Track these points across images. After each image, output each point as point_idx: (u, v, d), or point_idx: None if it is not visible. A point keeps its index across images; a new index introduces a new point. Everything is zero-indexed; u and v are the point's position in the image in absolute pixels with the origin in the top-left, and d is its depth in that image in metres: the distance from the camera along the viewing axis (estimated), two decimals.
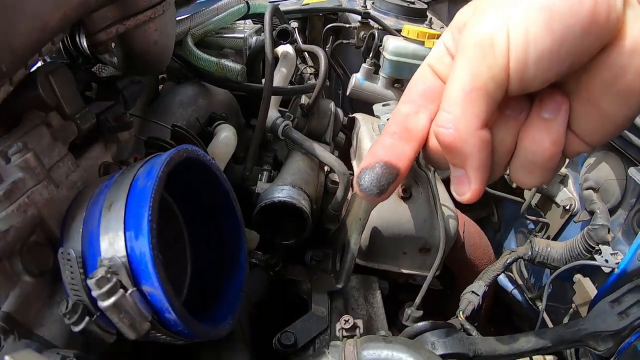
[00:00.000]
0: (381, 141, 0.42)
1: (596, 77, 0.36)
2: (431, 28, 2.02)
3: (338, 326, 0.89)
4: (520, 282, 1.68)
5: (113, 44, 0.95)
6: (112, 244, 0.57)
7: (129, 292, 0.54)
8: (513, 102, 0.40)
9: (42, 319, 0.66)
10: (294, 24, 1.92)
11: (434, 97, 0.42)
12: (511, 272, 1.73)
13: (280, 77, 1.48)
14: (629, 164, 1.32)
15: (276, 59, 1.59)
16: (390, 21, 1.98)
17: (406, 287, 1.48)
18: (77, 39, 1.11)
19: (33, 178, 0.65)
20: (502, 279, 1.73)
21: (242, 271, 0.79)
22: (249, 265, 0.81)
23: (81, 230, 0.63)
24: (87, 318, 0.58)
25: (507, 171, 1.01)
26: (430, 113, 0.42)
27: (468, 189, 0.41)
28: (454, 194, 0.43)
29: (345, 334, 0.88)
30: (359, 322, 0.89)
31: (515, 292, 1.70)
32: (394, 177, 0.40)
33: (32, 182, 0.65)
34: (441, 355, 0.97)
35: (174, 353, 0.90)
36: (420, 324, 1.01)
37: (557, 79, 0.36)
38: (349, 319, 0.88)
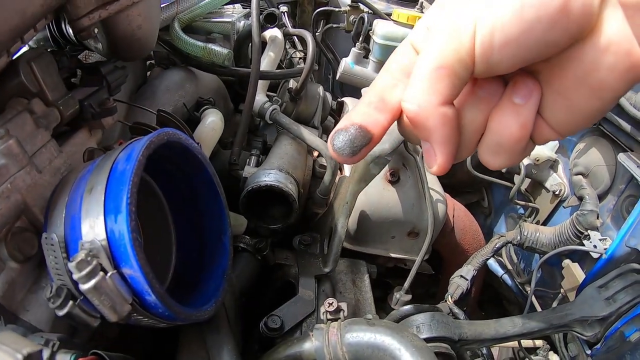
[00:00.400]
0: (357, 109, 0.43)
1: (569, 70, 0.37)
2: (422, 12, 2.03)
3: (322, 309, 0.90)
4: (510, 267, 1.70)
5: (96, 30, 0.95)
6: (93, 228, 0.58)
7: (109, 274, 0.55)
8: (486, 84, 0.41)
9: (27, 304, 0.68)
10: (284, 8, 1.92)
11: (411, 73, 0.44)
12: (501, 257, 1.75)
13: (268, 61, 1.49)
14: (618, 149, 1.33)
15: (264, 43, 1.59)
16: (381, 5, 1.99)
17: (397, 272, 1.50)
18: (63, 25, 1.12)
19: (16, 164, 0.66)
20: (493, 264, 1.75)
21: (226, 254, 0.80)
22: (233, 248, 0.82)
23: (64, 215, 0.64)
24: (70, 302, 0.59)
25: None
26: (406, 87, 0.44)
27: (435, 162, 0.42)
28: (425, 166, 0.45)
29: (329, 317, 0.89)
30: (343, 305, 0.90)
31: (506, 277, 1.72)
32: (367, 140, 0.41)
33: (15, 168, 0.66)
34: (426, 339, 0.98)
35: (161, 337, 0.93)
36: (406, 307, 1.03)
37: (524, 65, 0.38)
38: (332, 302, 0.89)
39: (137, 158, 0.59)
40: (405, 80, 0.43)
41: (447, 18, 0.38)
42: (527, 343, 1.73)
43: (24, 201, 0.67)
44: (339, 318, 0.89)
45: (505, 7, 0.35)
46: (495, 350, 1.80)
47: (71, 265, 0.54)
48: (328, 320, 0.89)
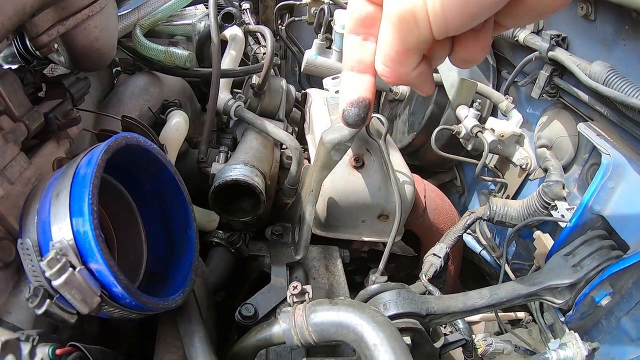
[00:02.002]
0: (346, 80, 0.52)
1: (518, 6, 0.44)
2: None
3: (288, 293, 0.98)
4: (484, 242, 1.78)
5: (56, 45, 1.03)
6: (61, 229, 0.66)
7: (77, 269, 0.64)
8: None
9: (9, 307, 0.76)
10: (246, 5, 2.00)
11: (373, 22, 0.50)
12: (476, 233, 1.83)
13: (229, 59, 1.57)
14: (579, 120, 1.40)
15: (225, 42, 1.67)
16: None
17: (379, 256, 1.58)
18: (28, 42, 1.19)
19: None
20: (470, 241, 1.83)
21: (192, 247, 0.89)
22: (199, 241, 0.91)
23: (36, 220, 0.72)
24: (47, 300, 0.68)
25: (462, 134, 1.14)
26: (375, 37, 0.50)
27: (423, 92, 0.52)
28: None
29: (295, 299, 0.97)
30: (308, 288, 0.98)
31: (484, 253, 1.80)
32: (368, 107, 0.51)
33: None
34: (393, 315, 1.05)
35: (146, 337, 1.01)
36: (373, 286, 1.11)
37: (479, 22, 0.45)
38: (297, 285, 0.97)
39: (96, 162, 0.67)
40: (371, 31, 0.50)
41: (399, 10, 0.44)
42: (509, 316, 1.82)
43: None
44: (304, 300, 0.97)
45: None
46: (481, 325, 1.89)
47: (43, 264, 0.63)
48: (294, 302, 0.97)
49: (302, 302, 0.96)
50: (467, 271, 2.01)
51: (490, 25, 0.46)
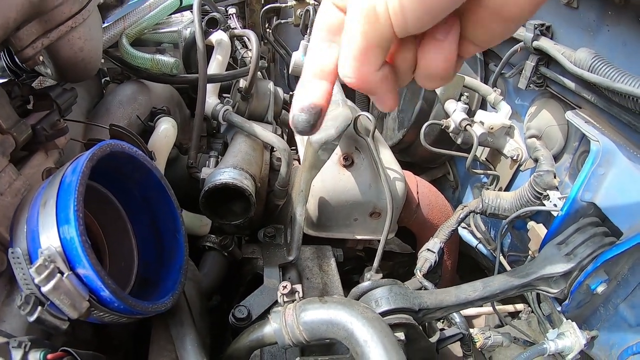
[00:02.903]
0: (302, 85, 0.53)
1: (482, 9, 0.44)
2: None
3: (278, 293, 1.00)
4: (479, 235, 1.79)
5: (41, 57, 1.05)
6: (49, 237, 0.68)
7: (65, 275, 0.66)
8: None
9: (3, 316, 0.79)
10: (232, 10, 2.02)
11: (339, 29, 0.51)
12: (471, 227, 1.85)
13: (216, 64, 1.59)
14: (568, 108, 1.40)
15: (211, 47, 1.70)
16: None
17: (373, 254, 1.60)
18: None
19: None
20: (466, 235, 1.85)
21: (181, 250, 0.91)
22: (188, 245, 0.93)
23: (25, 229, 0.75)
24: (39, 307, 0.70)
25: (451, 128, 1.15)
26: (338, 45, 0.52)
27: (384, 106, 0.52)
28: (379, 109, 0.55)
29: (285, 299, 1.00)
30: (297, 287, 1.00)
31: (480, 247, 1.82)
32: (318, 114, 0.51)
33: None
34: (386, 311, 1.07)
35: (141, 343, 1.03)
36: (364, 283, 1.13)
37: (440, 19, 0.45)
38: (286, 285, 1.00)
39: (81, 170, 0.69)
40: (336, 39, 0.52)
41: (361, 6, 0.45)
42: (508, 308, 1.84)
43: None
44: (295, 299, 0.99)
45: None
46: (482, 318, 1.91)
47: (32, 271, 0.65)
48: (285, 302, 0.99)
49: (292, 301, 0.98)
50: (465, 265, 2.02)
51: (454, 35, 0.47)
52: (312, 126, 0.51)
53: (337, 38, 0.51)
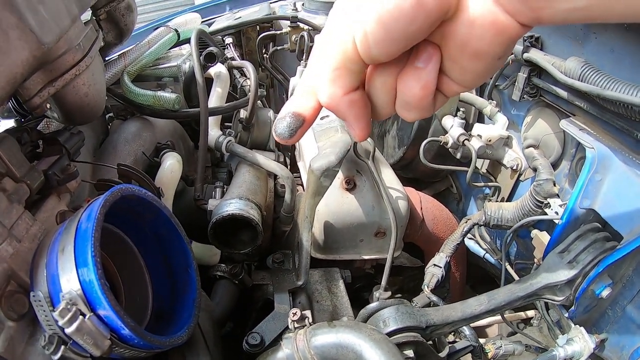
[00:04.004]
0: (293, 97, 0.57)
1: (450, 41, 0.47)
2: None
3: (289, 320, 1.05)
4: (485, 246, 1.83)
5: (48, 105, 1.11)
6: (69, 281, 0.74)
7: (87, 317, 0.71)
8: None
9: (27, 356, 0.84)
10: (229, 40, 2.09)
11: None
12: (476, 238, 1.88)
13: (216, 97, 1.65)
14: (562, 116, 1.44)
15: (211, 79, 1.76)
16: (321, 19, 2.14)
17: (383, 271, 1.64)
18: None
19: None
20: (473, 246, 1.88)
21: (194, 284, 0.96)
22: (199, 278, 0.98)
23: (45, 274, 0.80)
24: (62, 347, 0.75)
25: (449, 144, 1.18)
26: None
27: (354, 134, 0.56)
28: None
29: (296, 325, 1.04)
30: (307, 313, 1.05)
31: (488, 257, 1.85)
32: (300, 123, 0.55)
33: None
34: (394, 330, 1.11)
35: None
36: (371, 305, 1.17)
37: (404, 50, 0.48)
38: (296, 312, 1.04)
39: (95, 217, 0.75)
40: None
41: (335, 30, 0.50)
42: (519, 316, 1.86)
43: (10, 268, 0.82)
44: (305, 325, 1.04)
45: (369, 14, 0.44)
46: (495, 327, 1.94)
47: (55, 314, 0.70)
48: (296, 328, 1.04)
49: (303, 326, 1.03)
50: (475, 275, 2.05)
51: (434, 64, 0.49)
52: (292, 132, 0.55)
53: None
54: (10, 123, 1.30)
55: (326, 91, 0.52)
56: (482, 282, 2.14)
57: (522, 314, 1.86)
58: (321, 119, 1.41)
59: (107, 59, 1.69)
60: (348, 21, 0.48)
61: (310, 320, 1.05)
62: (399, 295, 1.90)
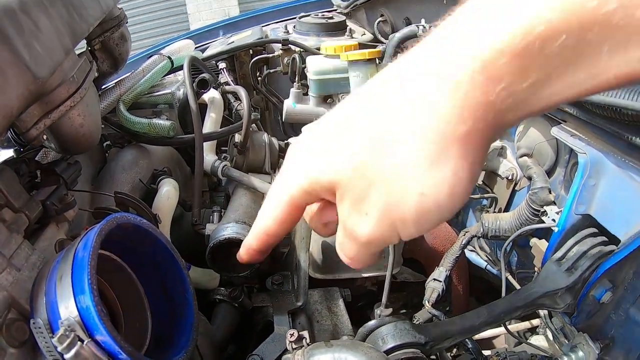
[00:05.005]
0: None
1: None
2: (352, 37, 2.24)
3: (287, 341, 1.07)
4: (485, 258, 1.84)
5: (45, 136, 1.15)
6: (67, 308, 0.76)
7: (85, 342, 0.74)
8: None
9: None
10: (222, 65, 2.13)
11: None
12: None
13: (210, 122, 1.69)
14: (554, 123, 1.44)
15: (205, 105, 1.80)
16: (312, 41, 2.19)
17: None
18: None
19: None
20: (474, 258, 1.89)
21: (191, 309, 0.98)
22: (197, 302, 1.00)
23: (44, 301, 0.83)
24: None
25: None
26: None
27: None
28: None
29: (294, 346, 1.06)
30: (305, 334, 1.07)
31: (490, 268, 1.85)
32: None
33: None
34: (393, 347, 1.12)
35: None
36: (370, 322, 1.18)
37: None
38: (293, 333, 1.06)
39: (91, 245, 0.78)
40: None
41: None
42: (525, 325, 1.87)
43: (11, 296, 0.85)
44: (303, 346, 1.05)
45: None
46: (502, 338, 1.94)
47: (54, 341, 0.73)
48: (294, 349, 1.06)
49: (301, 347, 1.05)
50: (479, 287, 2.06)
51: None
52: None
53: None
54: (9, 153, 1.32)
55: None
56: (488, 293, 2.14)
57: (527, 323, 1.86)
58: None
59: (103, 87, 1.73)
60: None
61: (308, 340, 1.07)
62: (404, 311, 1.91)
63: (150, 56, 1.94)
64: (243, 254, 0.65)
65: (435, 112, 0.42)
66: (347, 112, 0.50)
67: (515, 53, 0.37)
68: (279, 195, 0.55)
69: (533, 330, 1.83)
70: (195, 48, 2.47)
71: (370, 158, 0.46)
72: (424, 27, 1.79)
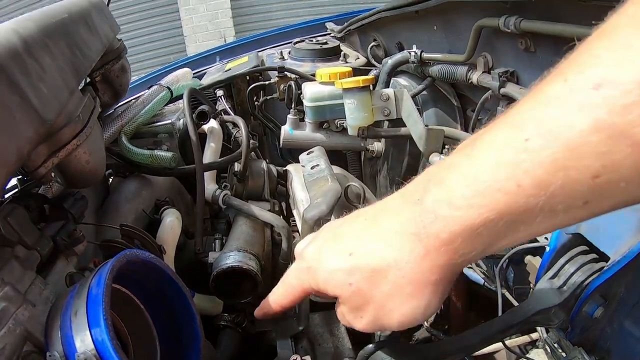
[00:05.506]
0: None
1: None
2: (346, 62, 2.31)
3: None
4: (481, 275, 1.89)
5: (53, 173, 1.21)
6: (83, 341, 0.82)
7: None
8: None
9: None
10: (220, 92, 2.20)
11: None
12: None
13: (210, 152, 1.76)
14: None
15: (205, 135, 1.87)
16: (307, 67, 2.26)
17: None
18: None
19: (14, 304, 0.90)
20: (473, 275, 1.93)
21: (198, 338, 1.04)
22: (203, 330, 1.06)
23: (60, 335, 0.89)
24: None
25: None
26: None
27: None
28: None
29: None
30: (307, 358, 1.12)
31: (488, 285, 1.90)
32: None
33: (14, 307, 0.90)
34: None
35: None
36: (368, 346, 1.22)
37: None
38: (296, 358, 1.12)
39: (104, 283, 0.84)
40: None
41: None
42: (524, 339, 1.91)
43: (26, 330, 0.90)
44: None
45: None
46: (502, 353, 1.97)
47: None
48: None
49: None
50: (480, 303, 2.10)
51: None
52: None
53: None
54: (12, 181, 1.37)
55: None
56: (489, 309, 2.17)
57: (526, 337, 1.90)
58: (312, 168, 1.50)
59: (104, 116, 1.80)
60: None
61: None
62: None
63: (151, 86, 2.00)
64: (259, 315, 0.92)
65: (414, 266, 0.60)
66: (353, 243, 0.68)
67: (466, 237, 0.55)
68: (294, 285, 0.82)
69: (533, 344, 1.87)
70: (193, 74, 2.53)
71: (366, 287, 0.65)
72: (416, 53, 1.86)
